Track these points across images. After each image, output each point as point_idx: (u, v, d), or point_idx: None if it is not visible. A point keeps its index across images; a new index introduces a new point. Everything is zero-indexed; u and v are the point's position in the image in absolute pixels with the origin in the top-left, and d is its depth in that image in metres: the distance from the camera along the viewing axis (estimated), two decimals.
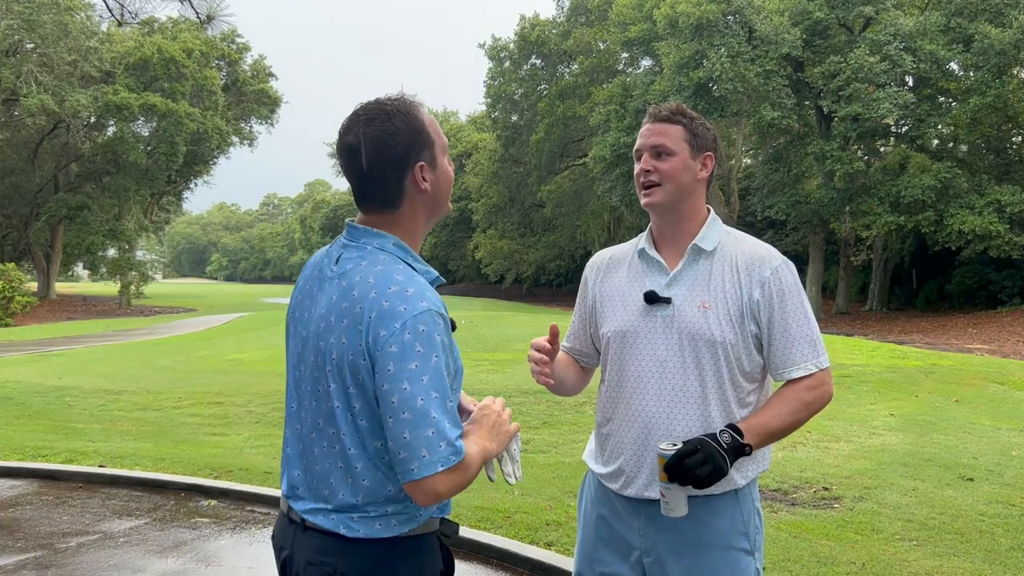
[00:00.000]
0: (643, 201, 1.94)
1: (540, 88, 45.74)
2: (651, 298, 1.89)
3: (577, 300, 2.17)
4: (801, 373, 1.85)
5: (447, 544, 1.64)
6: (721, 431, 1.77)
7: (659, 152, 1.91)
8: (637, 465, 1.89)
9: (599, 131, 34.53)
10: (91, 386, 11.09)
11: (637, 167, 1.97)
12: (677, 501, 1.75)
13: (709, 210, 1.99)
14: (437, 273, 1.58)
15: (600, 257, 2.13)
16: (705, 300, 1.86)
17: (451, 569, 1.64)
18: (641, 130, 1.98)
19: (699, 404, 1.84)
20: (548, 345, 1.91)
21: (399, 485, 1.48)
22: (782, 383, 1.90)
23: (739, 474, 1.85)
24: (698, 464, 1.70)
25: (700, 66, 27.40)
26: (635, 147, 1.98)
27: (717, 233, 1.93)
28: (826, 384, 1.87)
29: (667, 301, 1.88)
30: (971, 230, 24.48)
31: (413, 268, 1.54)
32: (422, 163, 1.57)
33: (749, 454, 1.78)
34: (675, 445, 1.74)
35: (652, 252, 1.96)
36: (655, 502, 1.85)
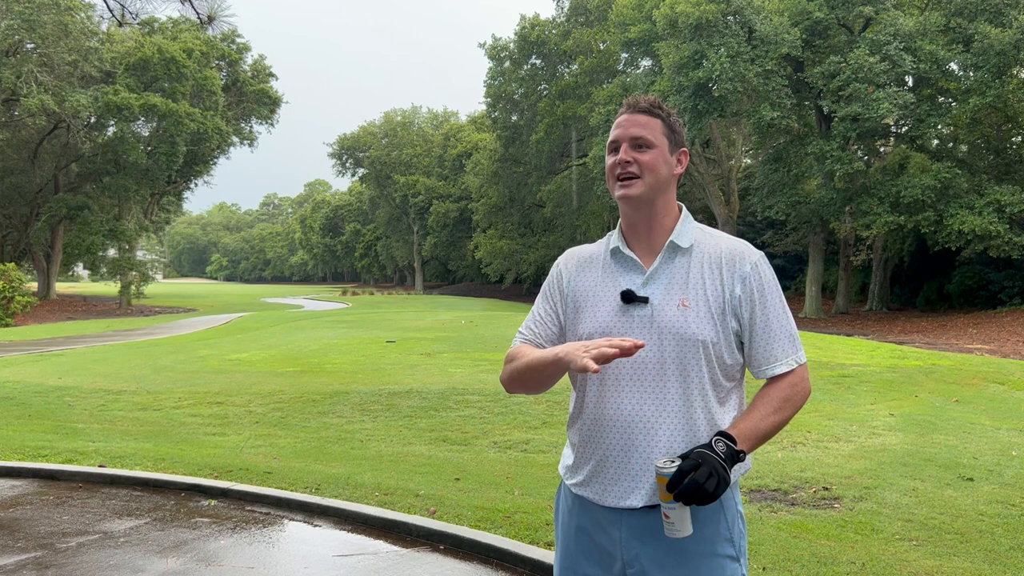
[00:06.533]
0: (619, 193, 1.86)
1: (540, 88, 45.78)
2: (628, 297, 1.83)
3: (544, 292, 2.02)
4: (783, 369, 1.82)
5: None
6: (715, 440, 1.71)
7: (639, 144, 1.86)
8: (616, 473, 1.82)
9: (599, 131, 34.54)
10: (91, 386, 11.09)
11: (611, 159, 1.88)
12: (682, 521, 1.67)
13: (681, 207, 1.94)
14: None
15: (571, 254, 2.03)
16: (684, 298, 1.80)
17: None
18: (618, 119, 1.90)
19: (682, 406, 1.78)
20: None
21: None
22: (763, 381, 1.87)
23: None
24: (704, 478, 1.62)
25: (700, 66, 27.40)
26: (611, 138, 1.90)
27: (692, 230, 1.89)
28: (806, 380, 1.85)
29: (644, 301, 1.82)
30: (971, 230, 24.47)
31: None
32: None
33: (743, 460, 1.74)
34: (673, 462, 1.65)
35: (626, 250, 1.89)
36: (636, 511, 1.79)
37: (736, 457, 1.71)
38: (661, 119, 1.88)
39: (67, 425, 8.44)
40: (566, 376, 2.03)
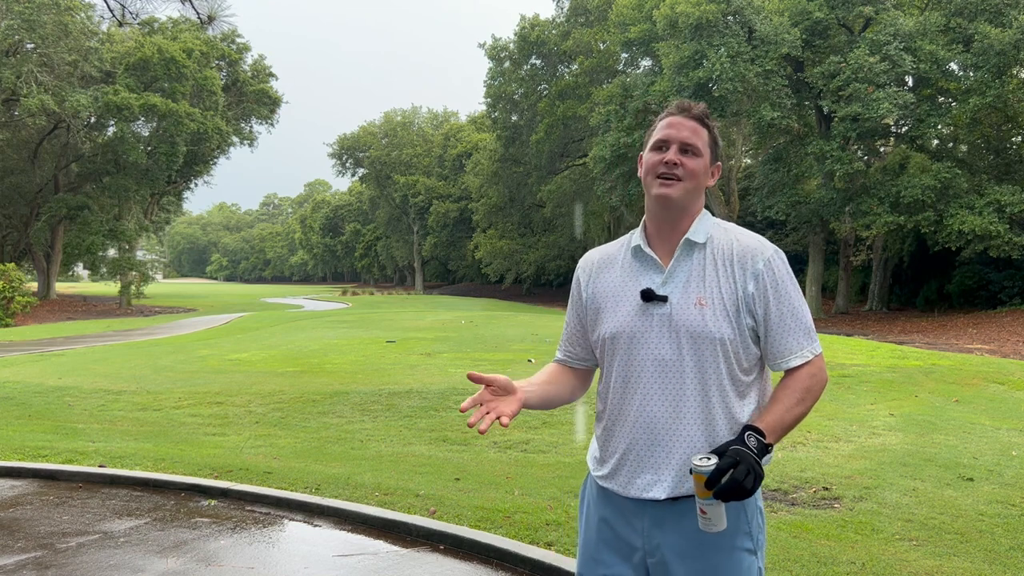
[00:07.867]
0: (658, 191, 1.87)
1: (540, 88, 45.77)
2: (648, 296, 1.86)
3: (570, 303, 2.11)
4: (799, 361, 1.84)
5: None
6: (747, 435, 1.74)
7: (687, 149, 1.89)
8: (639, 466, 1.87)
9: (599, 131, 34.54)
10: (91, 386, 11.09)
11: (656, 156, 1.90)
12: (718, 515, 1.71)
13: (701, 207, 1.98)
14: None
15: (590, 257, 2.07)
16: (701, 296, 1.83)
17: None
18: (669, 120, 1.92)
19: (700, 402, 1.82)
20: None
21: None
22: (781, 373, 1.89)
23: None
24: (744, 476, 1.65)
25: (700, 66, 27.40)
26: (659, 136, 1.92)
27: (707, 226, 1.92)
28: (823, 370, 1.88)
29: (663, 299, 1.85)
30: (971, 230, 24.47)
31: None
32: None
33: (770, 452, 1.78)
34: (708, 459, 1.69)
35: (647, 249, 1.92)
36: (658, 503, 1.84)
37: (766, 450, 1.75)
38: (709, 130, 1.94)
39: (67, 425, 8.44)
40: (569, 377, 2.11)
